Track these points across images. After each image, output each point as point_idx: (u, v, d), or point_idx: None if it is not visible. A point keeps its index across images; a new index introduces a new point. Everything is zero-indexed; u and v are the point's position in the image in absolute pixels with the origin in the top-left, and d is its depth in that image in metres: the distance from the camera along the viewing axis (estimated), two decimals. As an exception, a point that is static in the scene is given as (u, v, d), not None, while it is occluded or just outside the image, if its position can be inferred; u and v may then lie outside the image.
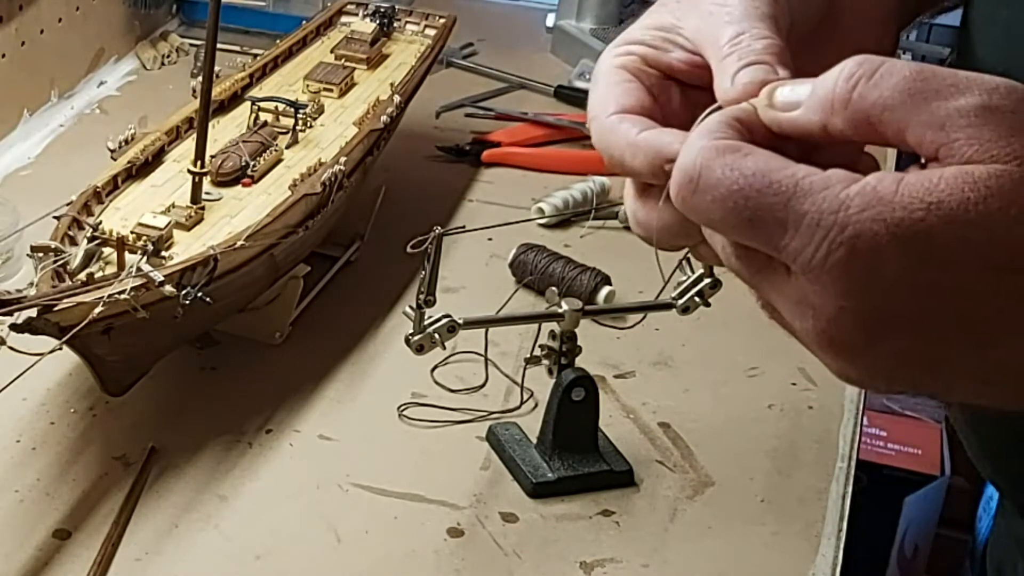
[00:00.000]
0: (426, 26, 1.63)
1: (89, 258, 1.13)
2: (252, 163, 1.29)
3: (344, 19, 1.64)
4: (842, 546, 1.11)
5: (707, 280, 1.13)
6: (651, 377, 1.30)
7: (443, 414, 1.22)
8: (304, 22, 1.63)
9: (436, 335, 1.08)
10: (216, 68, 1.27)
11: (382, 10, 1.61)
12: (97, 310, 1.01)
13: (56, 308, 1.00)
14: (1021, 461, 0.92)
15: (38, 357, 1.00)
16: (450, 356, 1.28)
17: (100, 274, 1.09)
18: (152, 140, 1.31)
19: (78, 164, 1.53)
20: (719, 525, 1.13)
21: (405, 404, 1.23)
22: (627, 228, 1.52)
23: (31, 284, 1.05)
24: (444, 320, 1.08)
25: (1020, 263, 0.55)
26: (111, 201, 1.23)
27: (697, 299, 1.13)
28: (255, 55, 1.56)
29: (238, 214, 1.24)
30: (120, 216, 1.21)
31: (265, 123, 1.38)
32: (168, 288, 1.06)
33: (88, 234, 1.14)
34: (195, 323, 1.18)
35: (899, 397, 2.25)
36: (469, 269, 1.44)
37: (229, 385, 1.25)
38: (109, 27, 1.85)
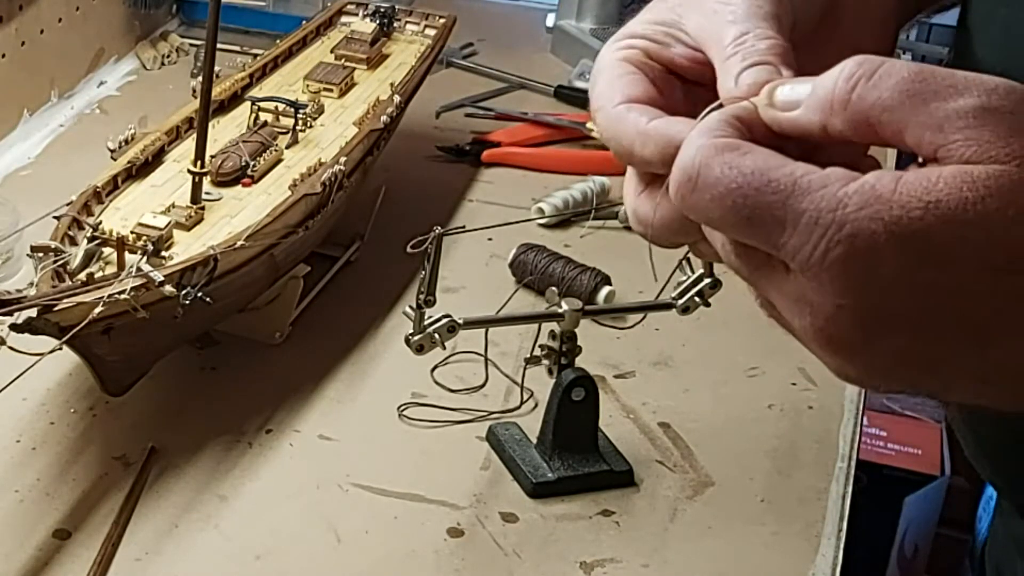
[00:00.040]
0: (426, 26, 1.63)
1: (89, 258, 1.13)
2: (252, 163, 1.29)
3: (344, 19, 1.64)
4: (842, 546, 1.11)
5: (707, 280, 1.13)
6: (651, 377, 1.30)
7: (443, 414, 1.22)
8: (304, 22, 1.64)
9: (436, 335, 1.08)
10: (216, 68, 1.27)
11: (382, 10, 1.61)
12: (97, 310, 1.01)
13: (56, 308, 1.00)
14: (1019, 461, 0.92)
15: (38, 357, 1.00)
16: (450, 356, 1.28)
17: (100, 274, 1.09)
18: (152, 140, 1.31)
19: (78, 164, 1.53)
20: (719, 525, 1.13)
21: (405, 404, 1.23)
22: (627, 228, 1.53)
23: (31, 284, 1.05)
24: (444, 320, 1.08)
25: (1018, 264, 0.55)
26: (111, 201, 1.23)
27: (697, 299, 1.13)
28: (255, 55, 1.56)
29: (238, 214, 1.24)
30: (120, 216, 1.21)
31: (265, 123, 1.38)
32: (168, 288, 1.06)
33: (88, 234, 1.14)
34: (195, 323, 1.18)
35: (899, 397, 2.25)
36: (469, 269, 1.44)
37: (229, 385, 1.25)
38: (109, 27, 1.85)
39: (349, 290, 1.40)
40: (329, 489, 1.13)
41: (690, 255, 1.12)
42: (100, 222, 1.17)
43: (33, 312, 0.99)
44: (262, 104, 1.40)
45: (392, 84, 1.48)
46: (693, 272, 1.13)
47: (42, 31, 1.68)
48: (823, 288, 0.57)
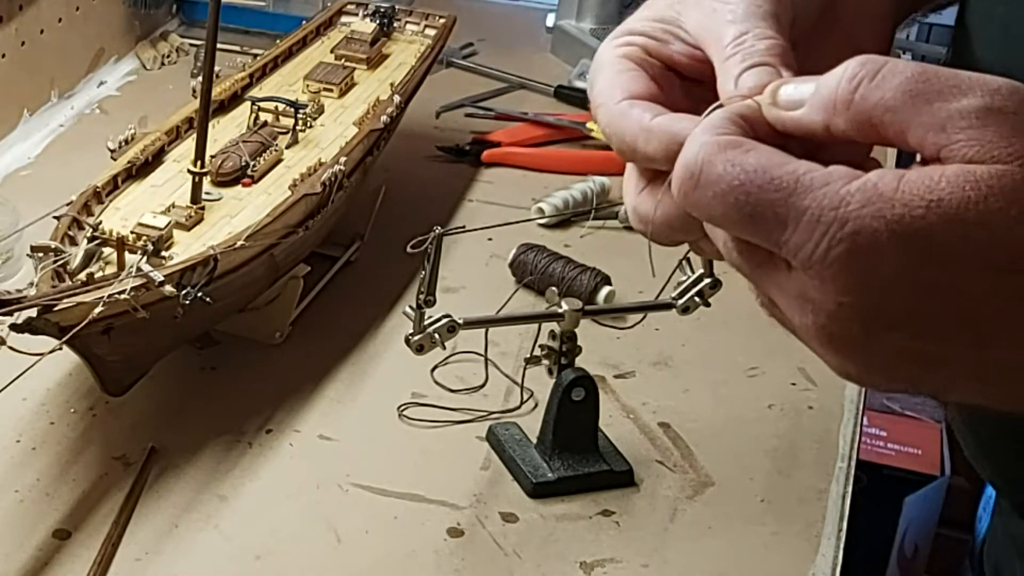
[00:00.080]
0: (426, 26, 1.63)
1: (89, 258, 1.13)
2: (252, 163, 1.29)
3: (344, 19, 1.64)
4: (842, 546, 1.11)
5: (707, 280, 1.13)
6: (651, 377, 1.30)
7: (443, 414, 1.22)
8: (304, 22, 1.64)
9: (436, 335, 1.08)
10: (216, 68, 1.27)
11: (382, 10, 1.61)
12: (97, 310, 1.01)
13: (56, 308, 1.00)
14: (1017, 461, 0.92)
15: (38, 357, 1.00)
16: (450, 356, 1.28)
17: (100, 274, 1.09)
18: (152, 140, 1.31)
19: (78, 164, 1.53)
20: (719, 525, 1.13)
21: (405, 404, 1.23)
22: (627, 228, 1.53)
23: (31, 284, 1.05)
24: (444, 320, 1.08)
25: (1020, 264, 0.55)
26: (111, 201, 1.23)
27: (697, 299, 1.13)
28: (255, 55, 1.56)
29: (238, 214, 1.24)
30: (120, 216, 1.21)
31: (265, 123, 1.38)
32: (168, 288, 1.06)
33: (88, 234, 1.14)
34: (195, 323, 1.18)
35: (899, 397, 2.25)
36: (469, 269, 1.44)
37: (229, 385, 1.25)
38: (109, 27, 1.85)
39: (349, 290, 1.40)
40: (329, 489, 1.13)
41: (690, 255, 1.12)
42: (100, 222, 1.17)
43: (33, 312, 0.99)
44: (262, 104, 1.40)
45: (392, 84, 1.48)
46: (693, 272, 1.13)
47: (42, 31, 1.69)
48: (824, 286, 0.57)
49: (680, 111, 0.66)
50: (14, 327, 0.98)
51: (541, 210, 1.54)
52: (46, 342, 1.01)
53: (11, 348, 0.98)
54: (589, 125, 1.71)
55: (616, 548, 1.09)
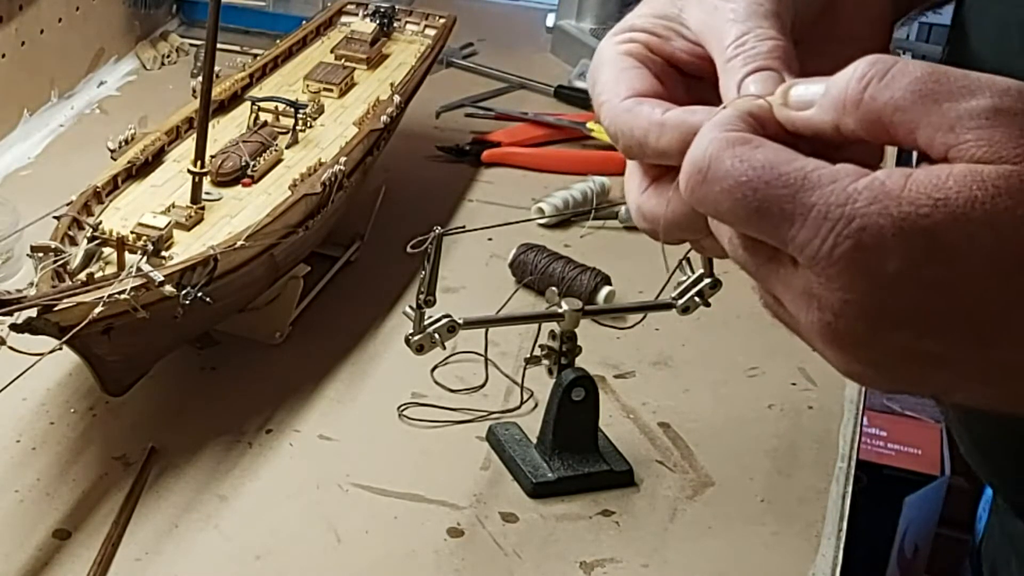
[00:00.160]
0: (426, 26, 1.63)
1: (89, 258, 1.13)
2: (252, 163, 1.29)
3: (344, 19, 1.64)
4: (842, 546, 1.11)
5: (707, 280, 1.13)
6: (651, 377, 1.30)
7: (443, 414, 1.22)
8: (304, 22, 1.64)
9: (436, 335, 1.08)
10: (216, 68, 1.27)
11: (382, 10, 1.61)
12: (97, 310, 1.01)
13: (56, 308, 1.00)
14: (1014, 460, 0.92)
15: (38, 357, 1.00)
16: (450, 356, 1.28)
17: (100, 274, 1.09)
18: (152, 140, 1.31)
19: (78, 164, 1.53)
20: (719, 525, 1.13)
21: (405, 404, 1.23)
22: (627, 228, 1.53)
23: (31, 284, 1.05)
24: (444, 320, 1.08)
25: None
26: (111, 201, 1.23)
27: (697, 299, 1.13)
28: (255, 55, 1.56)
29: (238, 214, 1.24)
30: (120, 216, 1.21)
31: (265, 123, 1.38)
32: (168, 288, 1.06)
33: (88, 234, 1.14)
34: (195, 323, 1.18)
35: (899, 397, 2.25)
36: (469, 269, 1.44)
37: (229, 385, 1.25)
38: (109, 27, 1.85)
39: (349, 290, 1.40)
40: (329, 489, 1.13)
41: (690, 255, 1.12)
42: (100, 222, 1.17)
43: (33, 312, 0.99)
44: (262, 104, 1.40)
45: (392, 84, 1.48)
46: (693, 272, 1.13)
47: (42, 31, 1.69)
48: (830, 282, 0.57)
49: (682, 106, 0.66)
50: (14, 327, 0.98)
51: (541, 210, 1.54)
52: (46, 342, 1.01)
53: (11, 348, 0.98)
54: (589, 125, 1.71)
55: (616, 548, 1.09)
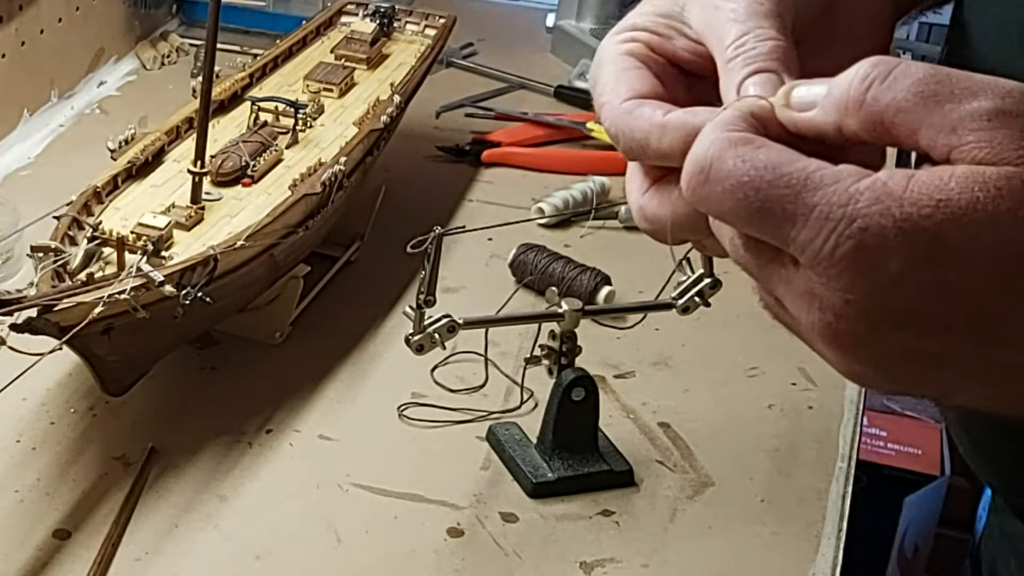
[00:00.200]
0: (426, 26, 1.63)
1: (89, 258, 1.13)
2: (252, 163, 1.29)
3: (344, 19, 1.64)
4: (842, 546, 1.11)
5: (707, 280, 1.13)
6: (651, 377, 1.30)
7: (443, 414, 1.22)
8: (304, 22, 1.64)
9: (436, 335, 1.08)
10: (216, 68, 1.27)
11: (382, 10, 1.61)
12: (97, 310, 1.01)
13: (56, 308, 1.00)
14: (1012, 460, 0.92)
15: (38, 357, 1.00)
16: (450, 356, 1.28)
17: (100, 274, 1.09)
18: (152, 140, 1.31)
19: (78, 164, 1.53)
20: (719, 525, 1.13)
21: (405, 404, 1.23)
22: (627, 228, 1.53)
23: (31, 284, 1.05)
24: (444, 320, 1.08)
25: None
26: (111, 201, 1.23)
27: (697, 299, 1.13)
28: (255, 55, 1.56)
29: (238, 214, 1.24)
30: (120, 216, 1.21)
31: (265, 123, 1.38)
32: (168, 288, 1.06)
33: (88, 234, 1.14)
34: (195, 323, 1.18)
35: (899, 397, 2.25)
36: (469, 269, 1.44)
37: (229, 385, 1.25)
38: (109, 27, 1.85)
39: (349, 290, 1.40)
40: (329, 489, 1.13)
41: (690, 255, 1.12)
42: (100, 222, 1.17)
43: (33, 312, 0.99)
44: (262, 104, 1.40)
45: (392, 84, 1.48)
46: (693, 272, 1.13)
47: (42, 31, 1.68)
48: (831, 283, 0.57)
49: (683, 107, 0.66)
50: (14, 327, 0.98)
51: (541, 210, 1.54)
52: (46, 342, 1.01)
53: (11, 348, 0.98)
54: (589, 125, 1.71)
55: (616, 548, 1.09)
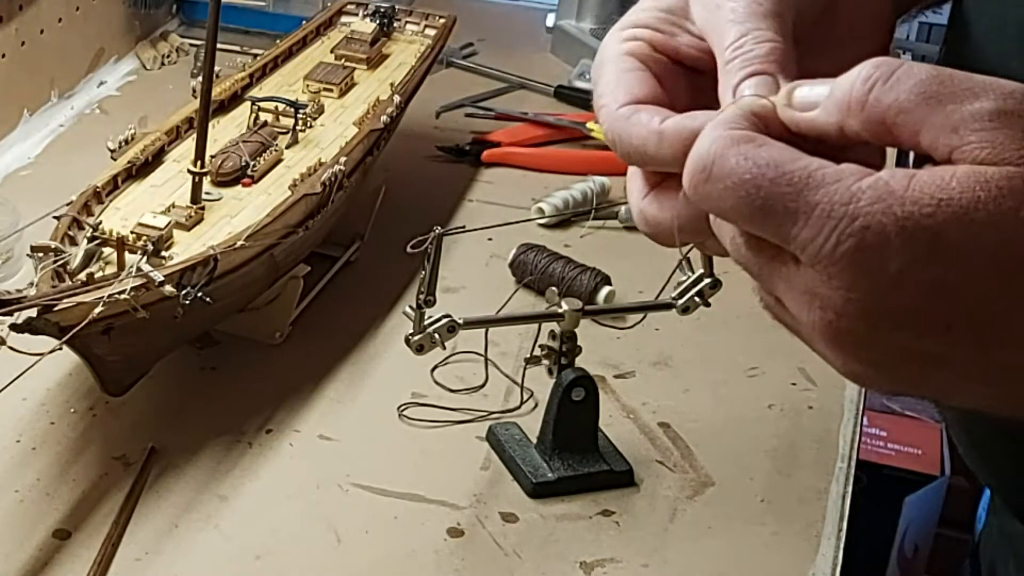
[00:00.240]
0: (426, 26, 1.63)
1: (89, 258, 1.13)
2: (252, 163, 1.29)
3: (344, 19, 1.64)
4: (842, 546, 1.11)
5: (707, 280, 1.12)
6: (651, 377, 1.30)
7: (443, 414, 1.22)
8: (304, 22, 1.64)
9: (436, 335, 1.08)
10: (216, 68, 1.27)
11: (382, 10, 1.61)
12: (97, 310, 1.01)
13: (56, 308, 1.00)
14: (1011, 461, 0.92)
15: (38, 357, 1.00)
16: (450, 356, 1.28)
17: (100, 274, 1.09)
18: (152, 140, 1.31)
19: (78, 164, 1.53)
20: (719, 525, 1.13)
21: (405, 404, 1.23)
22: (627, 228, 1.53)
23: (31, 284, 1.05)
24: (444, 320, 1.08)
25: None
26: (111, 201, 1.23)
27: (697, 299, 1.13)
28: (255, 55, 1.56)
29: (238, 214, 1.24)
30: (120, 216, 1.21)
31: (265, 123, 1.38)
32: (168, 288, 1.06)
33: (88, 234, 1.14)
34: (195, 323, 1.18)
35: (899, 397, 2.25)
36: (469, 269, 1.44)
37: (229, 385, 1.25)
38: (109, 27, 1.85)
39: (349, 290, 1.40)
40: (329, 489, 1.13)
41: (690, 255, 1.12)
42: (100, 222, 1.17)
43: (33, 312, 0.99)
44: (262, 104, 1.40)
45: (392, 84, 1.48)
46: (693, 272, 1.13)
47: (42, 31, 1.68)
48: (832, 281, 0.57)
49: (684, 107, 0.66)
50: (14, 327, 0.98)
51: (541, 210, 1.54)
52: (46, 342, 1.01)
53: (11, 348, 0.98)
54: (589, 125, 1.71)
55: (616, 548, 1.09)
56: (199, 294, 1.10)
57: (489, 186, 1.64)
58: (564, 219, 1.54)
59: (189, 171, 1.23)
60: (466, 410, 1.23)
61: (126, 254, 1.12)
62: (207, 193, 1.25)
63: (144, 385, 1.16)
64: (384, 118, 1.40)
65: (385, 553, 1.07)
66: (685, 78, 0.71)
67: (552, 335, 1.14)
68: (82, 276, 1.06)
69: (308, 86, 1.47)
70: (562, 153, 1.71)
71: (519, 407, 1.24)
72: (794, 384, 1.30)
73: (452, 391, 1.25)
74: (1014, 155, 0.55)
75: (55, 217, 1.16)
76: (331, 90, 1.47)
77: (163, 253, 1.15)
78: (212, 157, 1.27)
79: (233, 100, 1.43)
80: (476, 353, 1.27)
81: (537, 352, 1.16)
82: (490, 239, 1.47)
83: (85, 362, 1.09)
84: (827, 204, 0.56)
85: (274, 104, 1.40)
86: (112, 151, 1.29)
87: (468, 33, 1.97)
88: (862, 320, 0.57)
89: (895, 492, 2.16)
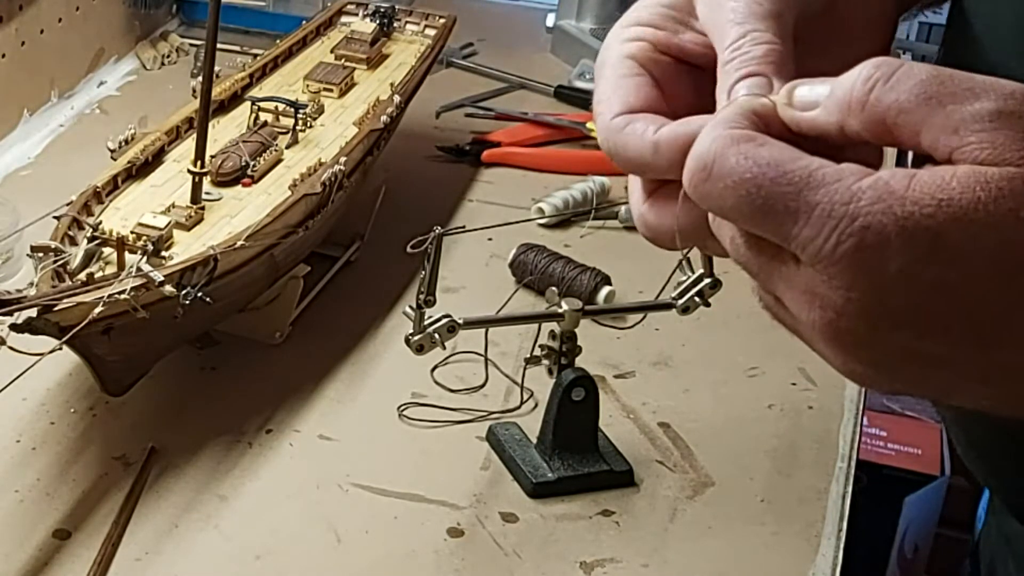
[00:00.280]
0: (426, 26, 1.63)
1: (89, 258, 1.13)
2: (252, 163, 1.29)
3: (344, 19, 1.64)
4: (842, 546, 1.11)
5: (707, 280, 1.13)
6: (651, 377, 1.30)
7: (443, 414, 1.22)
8: (304, 22, 1.64)
9: (436, 335, 1.08)
10: (216, 68, 1.27)
11: (382, 10, 1.61)
12: (97, 310, 1.01)
13: (56, 308, 1.00)
14: (1010, 460, 0.92)
15: (38, 357, 1.00)
16: (450, 356, 1.28)
17: (100, 274, 1.09)
18: (152, 140, 1.31)
19: (78, 164, 1.53)
20: (719, 525, 1.13)
21: (405, 404, 1.23)
22: (627, 228, 1.53)
23: (31, 284, 1.05)
24: (444, 320, 1.08)
25: None
26: (111, 201, 1.23)
27: (697, 299, 1.13)
28: (255, 55, 1.56)
29: (238, 214, 1.24)
30: (120, 216, 1.21)
31: (265, 123, 1.38)
32: (168, 288, 1.06)
33: (88, 234, 1.14)
34: (195, 323, 1.18)
35: (899, 397, 2.25)
36: (469, 269, 1.44)
37: (229, 385, 1.25)
38: (109, 27, 1.85)
39: (349, 290, 1.40)
40: (329, 489, 1.13)
41: (690, 255, 1.12)
42: (100, 222, 1.17)
43: (33, 312, 0.99)
44: (262, 104, 1.40)
45: (392, 84, 1.48)
46: (693, 272, 1.13)
47: (42, 31, 1.68)
48: (832, 281, 0.57)
49: (687, 107, 0.66)
50: (14, 327, 0.98)
51: (541, 210, 1.54)
52: (46, 342, 1.01)
53: (11, 348, 0.98)
54: (589, 125, 1.71)
55: (616, 548, 1.09)
56: (199, 294, 1.10)
57: (489, 186, 1.64)
58: (564, 219, 1.54)
59: (189, 171, 1.23)
60: (466, 410, 1.23)
61: (126, 254, 1.12)
62: (207, 193, 1.25)
63: (144, 385, 1.16)
64: (384, 118, 1.40)
65: (385, 553, 1.07)
66: (688, 77, 0.71)
67: (552, 335, 1.14)
68: (82, 276, 1.06)
69: (308, 86, 1.47)
70: (562, 153, 1.71)
71: (519, 407, 1.24)
72: (794, 384, 1.30)
73: (452, 391, 1.25)
74: (1015, 156, 0.55)
75: (55, 217, 1.16)
76: (331, 90, 1.47)
77: (163, 253, 1.15)
78: (212, 157, 1.27)
79: (233, 100, 1.43)
80: (476, 353, 1.27)
81: (537, 352, 1.16)
82: (490, 239, 1.47)
83: (85, 362, 1.09)
84: (827, 204, 0.56)
85: (274, 104, 1.40)
86: (112, 151, 1.29)
87: (468, 33, 1.97)
88: (862, 320, 0.57)
89: (895, 492, 2.16)
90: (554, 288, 1.21)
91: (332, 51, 1.55)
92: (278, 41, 1.60)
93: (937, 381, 0.60)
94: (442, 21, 1.64)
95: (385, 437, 1.20)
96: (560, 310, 1.13)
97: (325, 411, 1.23)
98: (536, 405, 1.23)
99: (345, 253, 1.43)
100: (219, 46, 1.27)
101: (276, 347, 1.30)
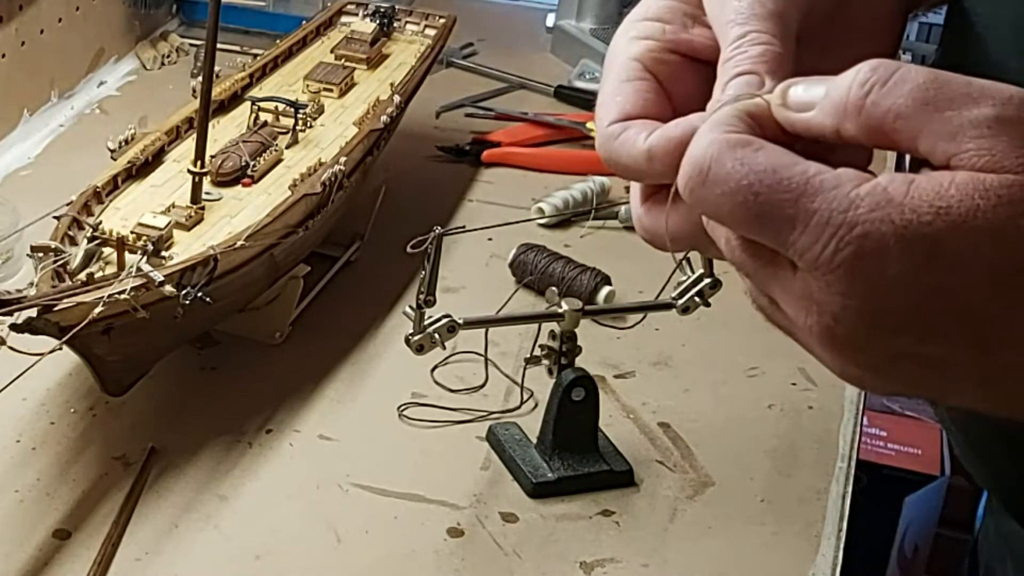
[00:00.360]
0: (426, 26, 1.63)
1: (89, 258, 1.13)
2: (252, 163, 1.29)
3: (344, 19, 1.64)
4: (842, 546, 1.11)
5: (707, 280, 1.13)
6: (651, 377, 1.30)
7: (443, 414, 1.22)
8: (304, 22, 1.64)
9: (436, 335, 1.08)
10: (216, 68, 1.27)
11: (382, 10, 1.61)
12: (97, 310, 1.01)
13: (56, 308, 1.00)
14: (1008, 461, 0.92)
15: (38, 357, 1.00)
16: (450, 356, 1.28)
17: (100, 274, 1.09)
18: (152, 140, 1.31)
19: (78, 164, 1.53)
20: (719, 525, 1.13)
21: (405, 404, 1.23)
22: (627, 228, 1.53)
23: (31, 284, 1.05)
24: (444, 320, 1.08)
25: None
26: (111, 201, 1.23)
27: (697, 299, 1.13)
28: (255, 55, 1.56)
29: (238, 214, 1.24)
30: (120, 216, 1.21)
31: (265, 123, 1.38)
32: (168, 288, 1.06)
33: (88, 234, 1.14)
34: (195, 323, 1.18)
35: (899, 397, 2.25)
36: (469, 269, 1.44)
37: (229, 385, 1.25)
38: (109, 27, 1.85)
39: (349, 290, 1.40)
40: (329, 489, 1.13)
41: (690, 255, 1.12)
42: (100, 222, 1.17)
43: (33, 312, 0.99)
44: (262, 104, 1.40)
45: (392, 84, 1.48)
46: (693, 272, 1.13)
47: (42, 31, 1.68)
48: (830, 287, 0.57)
49: (695, 105, 0.66)
50: (14, 327, 0.98)
51: (541, 210, 1.54)
52: (46, 342, 1.01)
53: (11, 348, 0.98)
54: (589, 125, 1.71)
55: (616, 548, 1.09)
56: (199, 294, 1.10)
57: (489, 186, 1.64)
58: (564, 219, 1.54)
59: (189, 171, 1.23)
60: (466, 410, 1.23)
61: (126, 254, 1.12)
62: (207, 193, 1.25)
63: (144, 385, 1.16)
64: (384, 118, 1.40)
65: (385, 553, 1.07)
66: (698, 74, 0.71)
67: (552, 335, 1.14)
68: (82, 276, 1.06)
69: (308, 86, 1.47)
70: (562, 153, 1.71)
71: (519, 407, 1.24)
72: (794, 384, 1.30)
73: (452, 391, 1.25)
74: (1013, 163, 0.55)
75: (55, 217, 1.16)
76: (331, 90, 1.47)
77: (163, 253, 1.15)
78: (212, 157, 1.27)
79: (233, 100, 1.43)
80: (476, 353, 1.27)
81: (537, 352, 1.16)
82: (490, 239, 1.47)
83: (85, 362, 1.09)
84: (825, 211, 0.56)
85: (274, 104, 1.40)
86: (112, 151, 1.29)
87: (468, 33, 1.97)
88: (859, 325, 0.57)
89: (895, 492, 2.16)
90: (554, 288, 1.21)
91: (332, 51, 1.55)
92: (278, 41, 1.60)
93: (935, 383, 0.60)
94: (442, 21, 1.64)
95: (385, 437, 1.20)
96: (560, 310, 1.13)
97: (325, 411, 1.23)
98: (536, 405, 1.23)
99: (345, 253, 1.43)
100: (219, 46, 1.27)
101: (276, 347, 1.30)
